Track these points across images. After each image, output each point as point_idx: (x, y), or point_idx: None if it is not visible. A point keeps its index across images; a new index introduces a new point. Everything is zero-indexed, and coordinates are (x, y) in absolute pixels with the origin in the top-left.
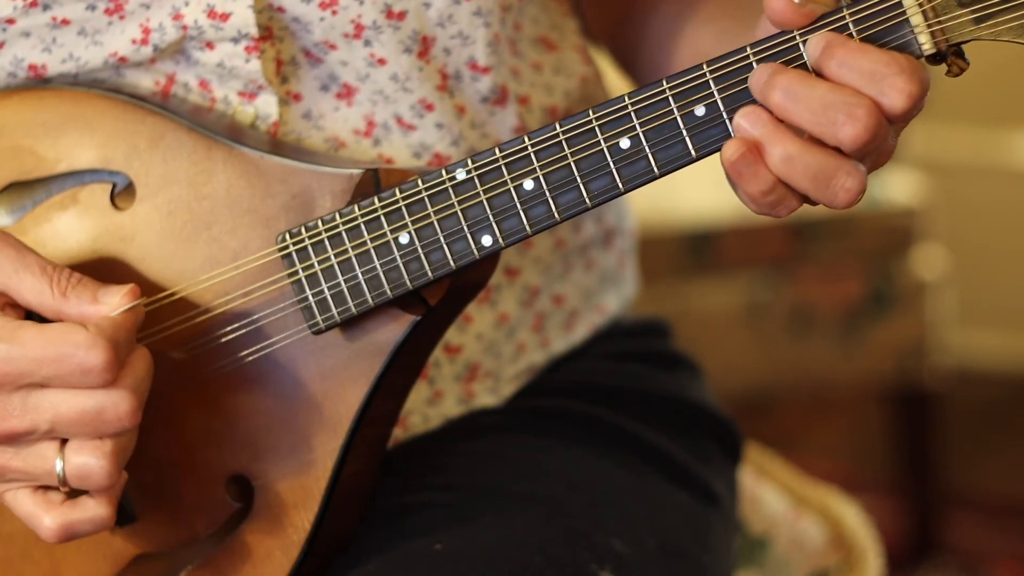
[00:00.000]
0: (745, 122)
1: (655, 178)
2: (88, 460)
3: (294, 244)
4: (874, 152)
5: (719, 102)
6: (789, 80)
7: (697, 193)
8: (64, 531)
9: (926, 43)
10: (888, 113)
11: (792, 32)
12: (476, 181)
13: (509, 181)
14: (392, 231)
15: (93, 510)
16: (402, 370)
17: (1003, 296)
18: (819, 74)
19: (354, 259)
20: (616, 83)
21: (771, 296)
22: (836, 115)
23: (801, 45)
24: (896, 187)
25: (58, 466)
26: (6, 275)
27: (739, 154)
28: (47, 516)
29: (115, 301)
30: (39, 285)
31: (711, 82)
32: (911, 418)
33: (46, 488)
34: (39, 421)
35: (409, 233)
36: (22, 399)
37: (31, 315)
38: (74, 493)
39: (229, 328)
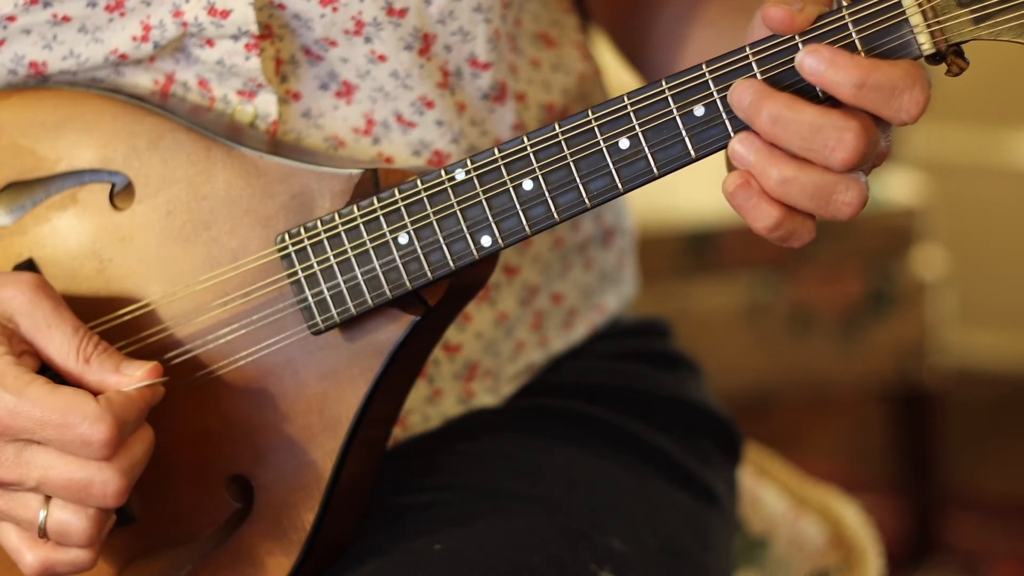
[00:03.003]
0: (740, 147)
1: (654, 178)
2: (70, 519)
3: (293, 245)
4: (868, 161)
5: (718, 102)
6: (776, 106)
7: (697, 193)
8: (44, 569)
9: (925, 43)
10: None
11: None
12: (475, 181)
13: (508, 181)
14: (391, 231)
15: (75, 554)
16: (401, 371)
17: (1003, 296)
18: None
19: (353, 259)
20: (616, 81)
21: (771, 296)
22: (826, 140)
23: (800, 46)
24: (896, 187)
25: (40, 516)
26: (36, 327)
27: (735, 186)
28: (29, 553)
29: (137, 376)
30: (66, 346)
31: (710, 82)
32: (911, 418)
33: None
34: (27, 477)
35: (408, 233)
36: (16, 451)
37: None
38: None
39: (228, 329)
